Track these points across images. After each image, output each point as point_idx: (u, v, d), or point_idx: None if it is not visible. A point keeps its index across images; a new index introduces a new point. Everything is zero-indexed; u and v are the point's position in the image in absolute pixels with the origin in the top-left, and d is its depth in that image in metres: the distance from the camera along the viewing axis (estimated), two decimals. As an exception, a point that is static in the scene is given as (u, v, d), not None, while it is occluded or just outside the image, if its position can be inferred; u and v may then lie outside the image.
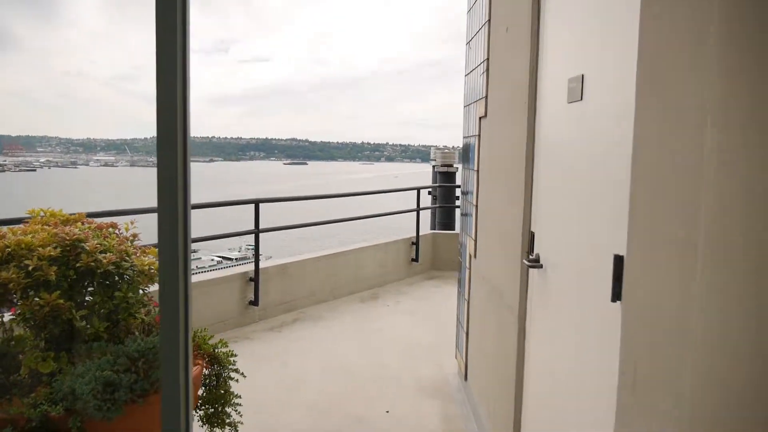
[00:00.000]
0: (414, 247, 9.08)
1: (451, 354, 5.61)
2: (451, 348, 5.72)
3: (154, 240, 1.61)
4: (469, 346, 4.66)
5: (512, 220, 3.19)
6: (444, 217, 10.41)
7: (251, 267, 6.63)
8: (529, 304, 2.95)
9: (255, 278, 6.53)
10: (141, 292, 2.78)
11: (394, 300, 7.70)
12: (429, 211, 10.07)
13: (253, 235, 6.55)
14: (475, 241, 4.39)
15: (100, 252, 2.59)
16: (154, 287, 2.82)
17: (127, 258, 2.65)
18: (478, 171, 4.36)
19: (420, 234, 9.16)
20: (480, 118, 4.27)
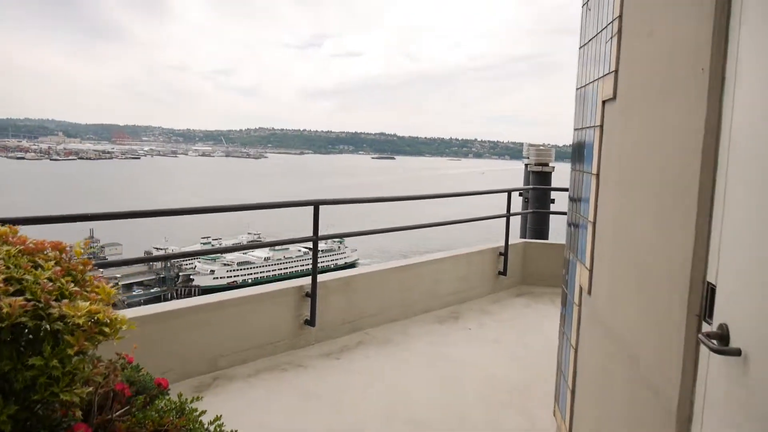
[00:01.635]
0: (502, 258, 7.85)
1: (546, 405, 4.43)
2: (547, 396, 4.54)
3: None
4: (575, 409, 3.48)
5: (667, 258, 2.01)
6: (536, 224, 9.12)
7: (307, 281, 5.61)
8: (701, 400, 1.77)
9: (311, 293, 5.52)
10: (88, 353, 1.82)
11: (477, 322, 6.55)
12: (519, 217, 8.77)
13: (311, 242, 5.51)
14: (590, 271, 3.20)
15: (9, 294, 1.64)
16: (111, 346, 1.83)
17: (54, 304, 1.68)
18: (597, 175, 3.17)
19: (509, 243, 7.90)
20: (604, 101, 3.07)
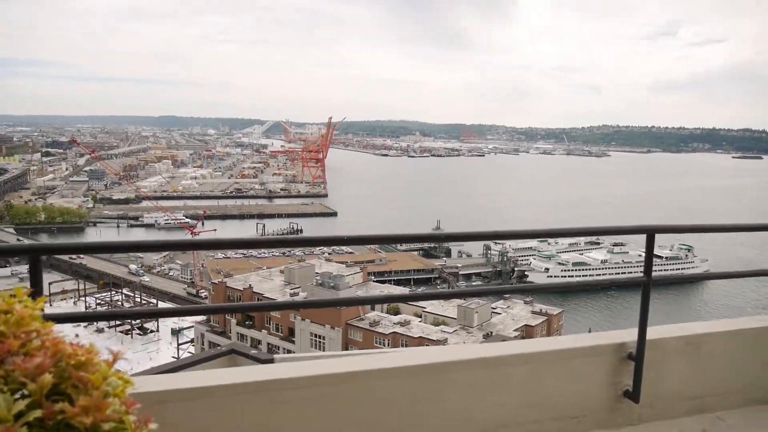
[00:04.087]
0: None
1: None
2: None
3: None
4: None
5: None
6: None
7: (631, 336, 4.23)
8: None
9: (637, 354, 4.17)
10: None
11: None
12: None
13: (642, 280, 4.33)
14: None
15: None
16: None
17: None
18: None
19: None
20: None
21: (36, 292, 2.60)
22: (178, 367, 5.14)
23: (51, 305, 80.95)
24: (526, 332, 54.51)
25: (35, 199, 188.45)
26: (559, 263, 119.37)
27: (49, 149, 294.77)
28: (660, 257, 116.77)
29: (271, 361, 5.06)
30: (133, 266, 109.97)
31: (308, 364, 3.63)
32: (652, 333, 4.24)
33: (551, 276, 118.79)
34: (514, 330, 53.93)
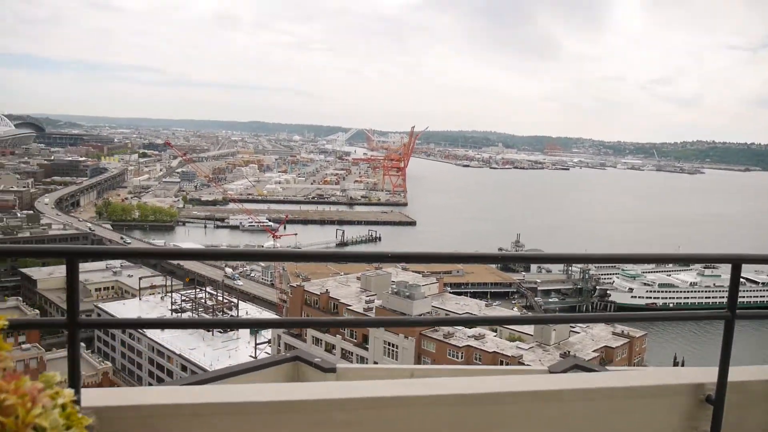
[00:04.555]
0: None
1: None
2: None
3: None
4: None
5: None
6: None
7: (710, 376, 3.64)
8: None
9: (717, 397, 3.59)
10: None
11: None
12: None
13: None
14: None
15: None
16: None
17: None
18: None
19: None
20: None
21: (72, 294, 2.69)
22: (242, 370, 5.25)
23: (140, 299, 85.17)
24: (605, 354, 52.56)
25: (131, 198, 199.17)
26: (644, 284, 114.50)
27: (146, 151, 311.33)
28: (756, 283, 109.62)
29: (334, 370, 5.09)
30: (228, 270, 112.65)
31: (353, 386, 3.56)
32: (734, 374, 3.66)
33: (635, 297, 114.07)
34: (593, 351, 52.11)
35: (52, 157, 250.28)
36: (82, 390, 2.61)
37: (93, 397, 2.86)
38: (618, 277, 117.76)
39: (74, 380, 2.61)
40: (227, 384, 4.86)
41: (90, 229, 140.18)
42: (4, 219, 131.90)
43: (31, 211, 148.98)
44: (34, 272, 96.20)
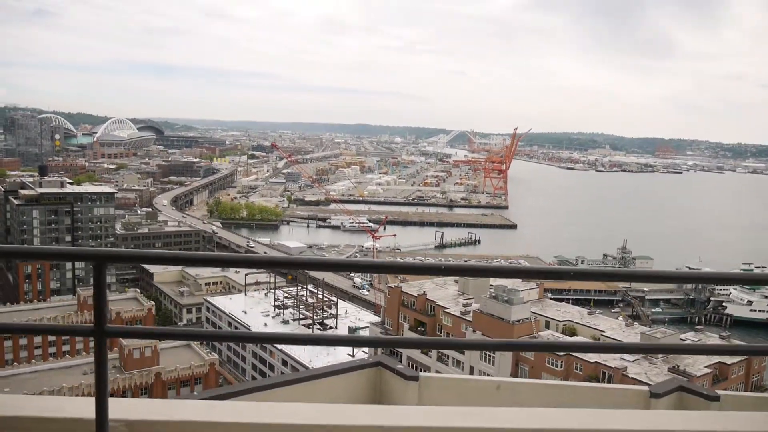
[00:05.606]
0: None
1: None
2: None
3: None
4: None
5: None
6: None
7: None
8: None
9: None
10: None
11: None
12: None
13: None
14: None
15: None
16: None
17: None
18: None
19: None
20: None
21: (99, 300, 2.58)
22: (325, 373, 5.30)
23: (245, 295, 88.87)
24: (719, 371, 49.19)
25: (239, 197, 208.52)
26: (766, 296, 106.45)
27: (254, 152, 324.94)
28: None
29: (416, 378, 5.03)
30: (357, 279, 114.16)
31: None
32: None
33: (754, 310, 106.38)
34: (706, 366, 48.87)
35: (170, 158, 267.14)
36: (110, 400, 2.51)
37: (123, 408, 2.69)
38: (736, 289, 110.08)
39: (101, 390, 2.49)
40: (308, 384, 4.91)
41: (213, 231, 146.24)
42: (126, 215, 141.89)
43: (150, 209, 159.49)
44: (152, 266, 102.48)
